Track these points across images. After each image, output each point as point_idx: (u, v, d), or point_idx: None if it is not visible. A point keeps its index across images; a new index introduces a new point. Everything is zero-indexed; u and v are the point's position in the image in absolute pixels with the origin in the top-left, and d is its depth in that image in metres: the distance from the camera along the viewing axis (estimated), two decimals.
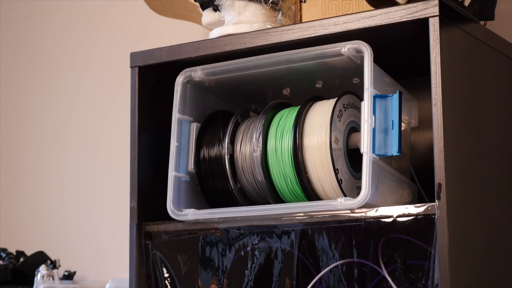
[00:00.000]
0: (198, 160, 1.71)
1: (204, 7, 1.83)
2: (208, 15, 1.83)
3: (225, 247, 1.85)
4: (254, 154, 1.63)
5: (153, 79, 1.80)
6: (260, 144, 1.62)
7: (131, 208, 1.74)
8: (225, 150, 1.67)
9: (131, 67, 1.79)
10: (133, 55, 1.80)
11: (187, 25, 2.13)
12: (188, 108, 1.73)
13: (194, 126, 1.72)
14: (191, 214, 1.67)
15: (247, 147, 1.66)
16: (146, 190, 1.74)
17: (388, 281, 1.66)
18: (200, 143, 1.72)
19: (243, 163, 1.66)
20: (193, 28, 2.15)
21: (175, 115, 1.71)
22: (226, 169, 1.67)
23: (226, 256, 1.84)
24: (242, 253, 1.84)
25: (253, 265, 1.83)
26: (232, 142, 1.68)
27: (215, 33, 1.77)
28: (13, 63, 2.73)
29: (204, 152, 1.71)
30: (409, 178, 1.73)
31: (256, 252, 1.83)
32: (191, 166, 1.70)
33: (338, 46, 1.57)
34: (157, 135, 1.77)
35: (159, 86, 1.79)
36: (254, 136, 1.64)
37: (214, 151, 1.70)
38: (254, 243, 1.83)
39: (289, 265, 1.80)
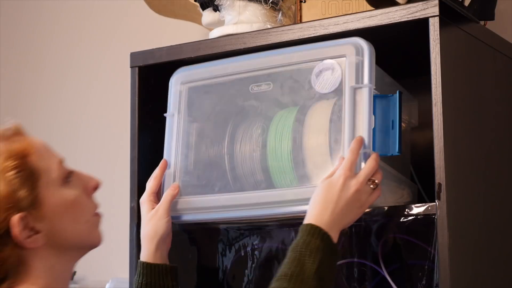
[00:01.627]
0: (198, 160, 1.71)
1: (204, 7, 1.83)
2: (208, 15, 1.83)
3: (225, 247, 1.85)
4: (254, 154, 1.62)
5: (153, 79, 1.80)
6: (260, 144, 1.62)
7: (131, 208, 1.74)
8: (225, 150, 1.66)
9: (131, 67, 1.79)
10: (133, 55, 1.80)
11: (187, 25, 2.13)
12: (186, 108, 1.73)
13: (194, 126, 1.72)
14: (191, 214, 1.66)
15: (246, 147, 1.65)
16: None
17: (388, 281, 1.66)
18: (200, 143, 1.71)
19: (243, 163, 1.65)
20: (193, 28, 2.15)
21: (172, 115, 1.71)
22: (226, 169, 1.66)
23: (226, 256, 1.84)
24: (242, 253, 1.84)
25: (253, 265, 1.83)
26: (232, 141, 1.67)
27: (215, 33, 1.77)
28: (13, 63, 2.73)
29: (204, 152, 1.70)
30: (409, 178, 1.73)
31: (256, 252, 1.83)
32: (191, 166, 1.69)
33: (340, 49, 1.57)
34: (157, 135, 1.76)
35: (159, 86, 1.79)
36: (254, 136, 1.63)
37: (214, 151, 1.69)
38: (254, 243, 1.82)
39: None
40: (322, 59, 1.57)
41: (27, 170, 1.32)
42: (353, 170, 1.45)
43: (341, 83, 1.54)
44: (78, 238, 1.37)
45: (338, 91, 1.54)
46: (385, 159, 1.58)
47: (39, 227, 1.31)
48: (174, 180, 1.67)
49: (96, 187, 1.44)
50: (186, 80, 1.72)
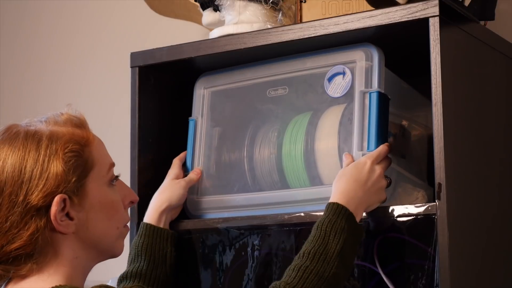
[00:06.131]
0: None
1: (204, 7, 1.83)
2: (208, 15, 1.83)
3: (225, 247, 1.85)
4: (271, 155, 1.67)
5: (153, 79, 1.80)
6: (276, 146, 1.65)
7: (131, 208, 1.74)
8: (245, 152, 1.70)
9: (131, 67, 1.79)
10: (133, 55, 1.80)
11: (187, 25, 2.13)
12: (209, 111, 1.75)
13: (217, 129, 1.74)
14: (211, 213, 1.69)
15: (265, 149, 1.69)
16: (146, 190, 1.74)
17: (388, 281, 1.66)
18: (221, 145, 1.75)
19: (262, 164, 1.68)
20: (193, 28, 2.15)
21: (197, 119, 1.73)
22: (245, 169, 1.70)
23: (226, 256, 1.84)
24: (242, 253, 1.84)
25: (253, 265, 1.83)
26: (252, 144, 1.71)
27: (216, 33, 1.77)
28: (13, 62, 2.73)
29: (225, 155, 1.73)
30: (425, 182, 1.72)
31: (256, 252, 1.83)
32: (213, 168, 1.73)
33: (350, 55, 1.60)
34: (157, 135, 1.77)
35: (159, 86, 1.79)
36: (272, 138, 1.66)
37: (234, 153, 1.72)
38: (254, 243, 1.83)
39: (289, 265, 1.80)
40: (334, 65, 1.62)
41: (83, 158, 1.39)
42: (379, 160, 1.50)
43: (351, 88, 1.59)
44: (105, 239, 1.41)
45: (348, 95, 1.59)
46: (405, 163, 1.62)
47: (74, 215, 1.36)
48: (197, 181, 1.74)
49: (133, 202, 1.49)
50: (208, 84, 1.77)
